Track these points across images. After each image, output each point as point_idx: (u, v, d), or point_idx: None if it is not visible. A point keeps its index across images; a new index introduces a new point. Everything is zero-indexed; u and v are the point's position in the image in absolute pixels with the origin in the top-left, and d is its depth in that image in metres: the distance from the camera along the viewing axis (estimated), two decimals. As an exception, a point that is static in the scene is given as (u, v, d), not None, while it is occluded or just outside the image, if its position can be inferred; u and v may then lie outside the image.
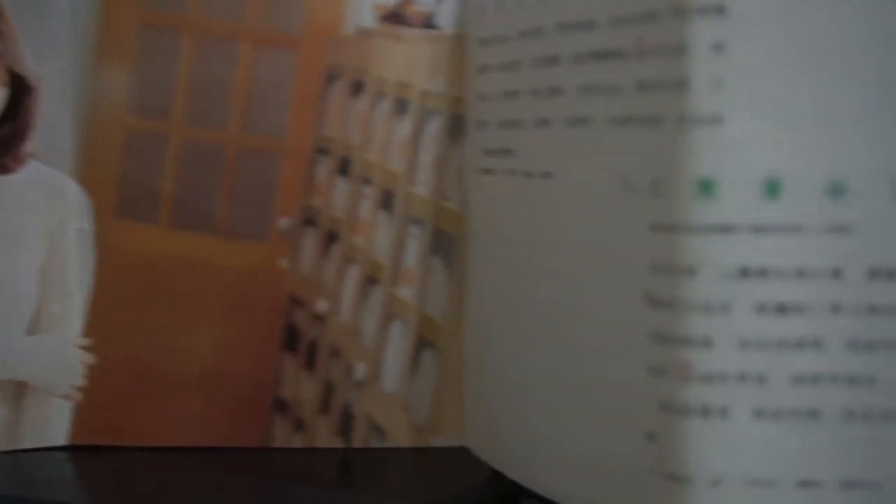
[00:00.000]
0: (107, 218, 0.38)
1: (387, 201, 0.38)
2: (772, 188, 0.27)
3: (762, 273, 0.27)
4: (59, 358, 0.38)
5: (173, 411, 0.38)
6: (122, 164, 0.38)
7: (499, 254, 0.35)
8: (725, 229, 0.27)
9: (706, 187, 0.27)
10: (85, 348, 0.38)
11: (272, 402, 0.38)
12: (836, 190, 0.27)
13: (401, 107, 0.38)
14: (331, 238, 0.38)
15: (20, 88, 0.37)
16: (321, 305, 0.38)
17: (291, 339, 0.38)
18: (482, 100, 0.36)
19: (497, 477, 0.35)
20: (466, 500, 0.34)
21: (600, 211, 0.30)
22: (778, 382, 0.27)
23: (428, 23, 0.38)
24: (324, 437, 0.38)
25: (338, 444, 0.38)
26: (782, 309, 0.27)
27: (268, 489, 0.35)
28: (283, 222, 0.38)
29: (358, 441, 0.38)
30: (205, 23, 0.38)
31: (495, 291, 0.35)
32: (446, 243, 0.38)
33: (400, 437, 0.38)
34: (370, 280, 0.38)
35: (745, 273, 0.27)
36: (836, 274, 0.27)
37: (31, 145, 0.37)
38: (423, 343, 0.38)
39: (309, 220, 0.38)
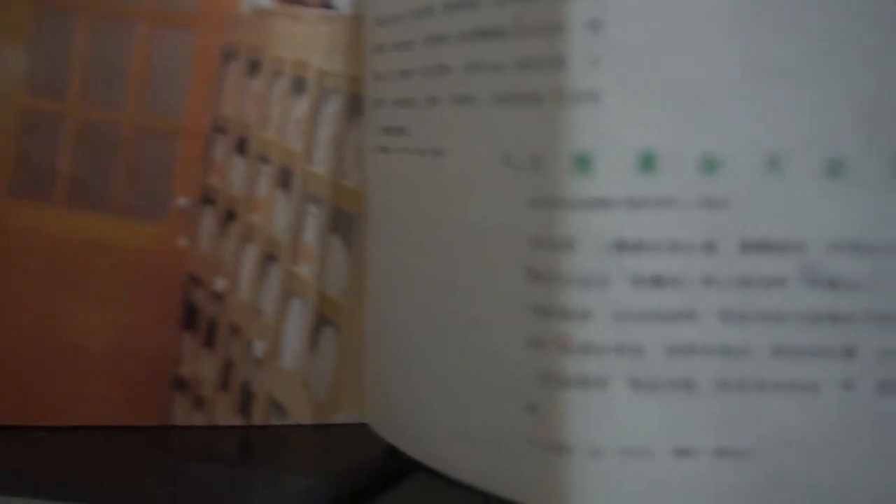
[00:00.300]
0: (2, 197, 0.38)
1: (285, 180, 0.38)
2: (647, 163, 0.28)
3: (638, 246, 0.28)
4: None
5: (73, 391, 0.38)
6: (18, 144, 0.38)
7: (394, 231, 0.35)
8: (602, 204, 0.28)
9: (583, 163, 0.28)
10: (-19, 329, 0.38)
11: (171, 380, 0.38)
12: (710, 164, 0.28)
13: (298, 86, 0.38)
14: (229, 216, 0.38)
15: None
16: (220, 284, 0.38)
17: (190, 318, 0.38)
18: (378, 79, 0.36)
19: (393, 452, 0.35)
20: (361, 476, 0.34)
21: (484, 187, 0.30)
22: (653, 354, 0.28)
23: (325, 2, 0.38)
24: (224, 414, 0.38)
25: (238, 421, 0.38)
26: (657, 281, 0.28)
27: (168, 467, 0.35)
28: (182, 201, 0.38)
29: (258, 418, 0.38)
30: (101, 1, 0.38)
31: (391, 269, 0.36)
32: (346, 221, 0.38)
33: (300, 414, 0.38)
34: (269, 258, 0.38)
35: (621, 246, 0.28)
36: (710, 247, 0.28)
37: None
38: (322, 321, 0.38)
39: (207, 199, 0.38)
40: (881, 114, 0.27)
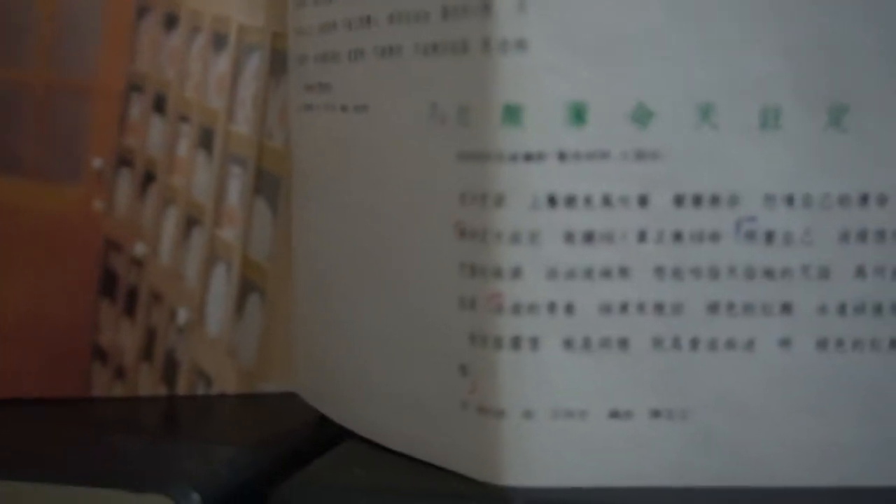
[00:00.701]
0: None
1: (206, 140, 0.37)
2: (577, 114, 0.27)
3: (569, 201, 0.27)
4: None
5: (-13, 363, 0.36)
6: (-78, 105, 0.36)
7: (322, 192, 0.34)
8: (531, 157, 0.27)
9: (512, 114, 0.27)
10: None
11: (90, 350, 0.37)
12: (641, 116, 0.27)
13: (218, 42, 0.36)
14: (148, 179, 0.37)
15: None
16: (139, 249, 0.37)
17: (109, 285, 0.37)
18: (301, 33, 0.35)
19: (323, 421, 0.34)
20: (289, 445, 0.33)
21: (411, 142, 0.29)
22: (587, 312, 0.27)
23: (245, -46, 0.36)
24: (146, 384, 0.37)
25: (161, 391, 0.37)
26: (590, 237, 0.27)
27: (88, 440, 0.34)
28: (96, 162, 0.36)
29: (183, 388, 0.37)
30: (7, -46, 0.36)
31: (320, 230, 0.34)
32: (270, 183, 0.37)
33: (226, 383, 0.37)
34: (191, 221, 0.37)
35: (552, 201, 0.27)
36: (643, 201, 0.27)
37: None
38: (248, 286, 0.37)
39: (123, 161, 0.36)
40: (815, 62, 0.27)
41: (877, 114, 0.26)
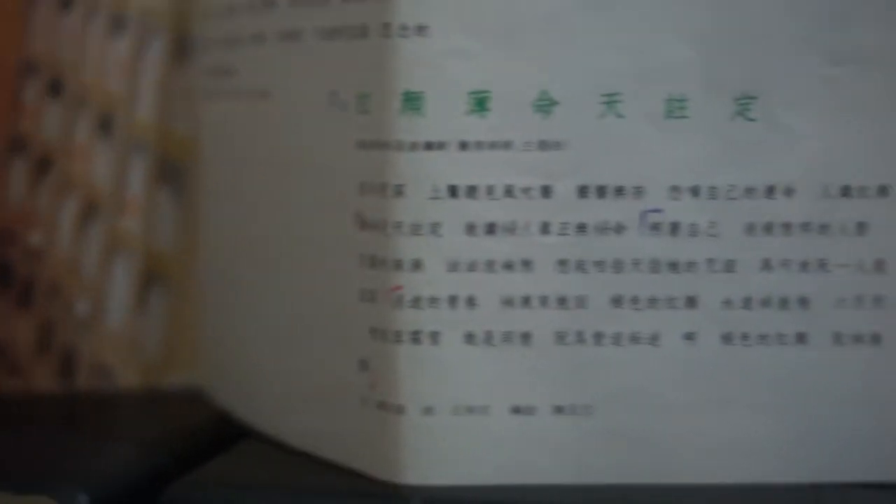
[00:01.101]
0: None
1: (106, 126, 0.35)
2: (479, 103, 0.26)
3: (471, 191, 0.26)
4: None
5: None
6: None
7: (226, 180, 0.33)
8: (432, 146, 0.26)
9: (412, 102, 0.26)
10: None
11: (-16, 344, 0.35)
12: (545, 104, 0.26)
13: (118, 23, 0.35)
14: (44, 166, 0.35)
15: None
16: (35, 239, 0.35)
17: (3, 276, 0.35)
18: (205, 17, 0.34)
19: (226, 418, 0.33)
20: (189, 443, 0.32)
21: (312, 129, 0.28)
22: (488, 305, 0.26)
23: (147, -66, 0.35)
24: (43, 379, 0.36)
25: (59, 387, 0.36)
26: (492, 228, 0.26)
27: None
28: (-10, 149, 0.35)
29: (82, 383, 0.36)
30: None
31: (224, 220, 0.33)
32: (174, 171, 0.36)
33: (129, 377, 0.36)
34: (90, 211, 0.36)
35: (453, 191, 0.26)
36: (546, 192, 0.26)
37: None
38: (151, 278, 0.36)
39: (17, 147, 0.35)
40: (723, 51, 0.26)
41: (785, 103, 0.26)
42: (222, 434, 0.32)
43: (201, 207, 0.35)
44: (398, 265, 0.26)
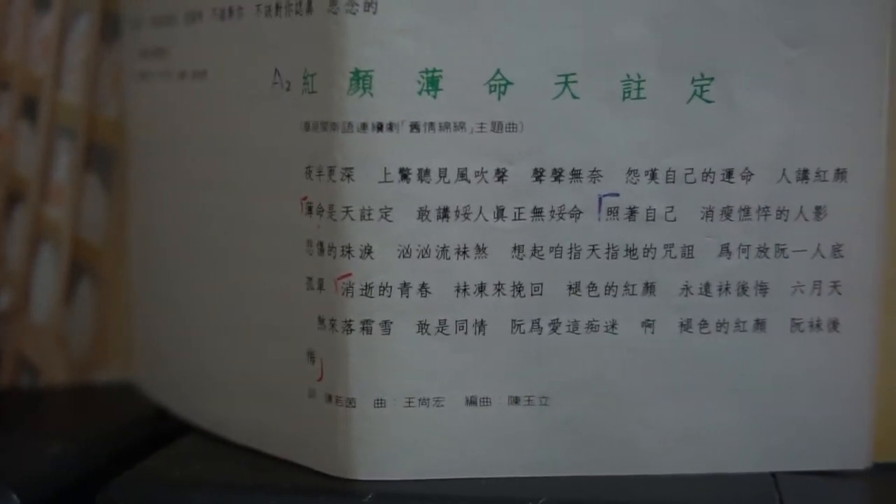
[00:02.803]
0: None
1: (30, 109, 0.34)
2: (431, 82, 0.25)
3: (423, 175, 0.25)
4: None
5: None
6: None
7: (160, 165, 0.32)
8: (382, 127, 0.25)
9: (361, 81, 0.25)
10: None
11: None
12: (499, 84, 0.25)
13: (42, 0, 0.33)
14: (-37, 151, 0.33)
15: None
16: (-45, 228, 0.34)
17: (-80, 268, 0.34)
18: (135, -6, 0.32)
19: (161, 414, 0.32)
20: (123, 440, 0.30)
21: (255, 110, 0.27)
22: (442, 293, 0.25)
23: None
24: (-36, 376, 0.34)
25: (-19, 383, 0.34)
26: (444, 213, 0.25)
27: None
28: None
29: (5, 379, 0.34)
30: None
31: (158, 207, 0.32)
32: (103, 157, 0.34)
33: (55, 373, 0.34)
34: (13, 198, 0.34)
35: (405, 175, 0.25)
36: (500, 175, 0.25)
37: None
38: (78, 269, 0.34)
39: (-65, 131, 0.33)
40: (680, 31, 0.25)
41: (743, 86, 0.25)
42: (158, 430, 0.31)
43: (130, 194, 0.34)
44: (347, 251, 0.25)
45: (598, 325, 0.26)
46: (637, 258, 0.26)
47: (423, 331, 0.26)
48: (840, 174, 0.26)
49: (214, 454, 0.28)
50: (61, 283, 0.34)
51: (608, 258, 0.26)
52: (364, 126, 0.25)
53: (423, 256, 0.25)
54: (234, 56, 0.28)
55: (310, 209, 0.26)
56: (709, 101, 0.25)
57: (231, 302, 0.29)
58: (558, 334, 0.26)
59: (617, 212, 0.26)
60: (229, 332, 0.29)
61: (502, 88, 0.25)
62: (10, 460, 0.28)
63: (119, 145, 0.34)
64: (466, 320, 0.26)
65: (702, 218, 0.26)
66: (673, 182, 0.26)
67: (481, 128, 0.25)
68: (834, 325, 0.26)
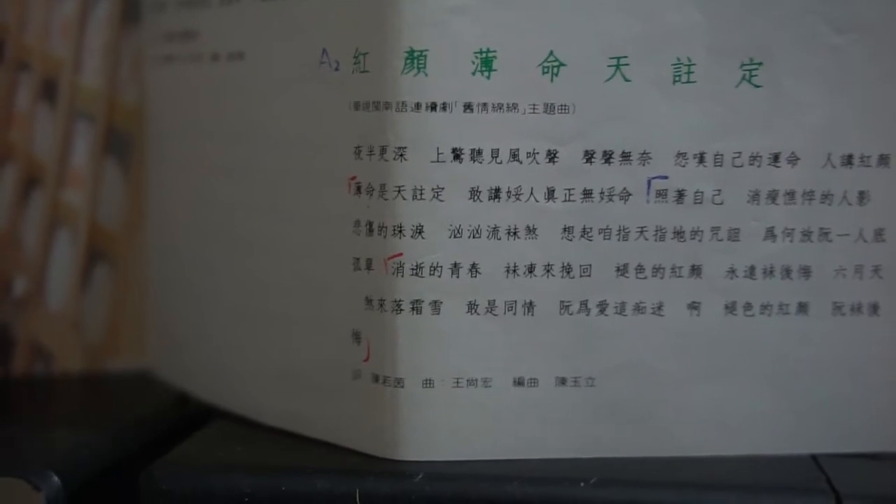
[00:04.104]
0: None
1: (49, 92, 0.33)
2: (485, 63, 0.25)
3: (475, 155, 0.25)
4: None
5: None
6: None
7: (183, 152, 0.31)
8: (436, 107, 0.25)
9: (415, 61, 0.25)
10: None
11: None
12: (552, 66, 0.25)
13: (64, -17, 0.33)
14: (-19, 133, 0.33)
15: None
16: (-28, 211, 0.33)
17: (-65, 251, 0.33)
18: (159, -23, 0.32)
19: (184, 400, 0.31)
20: (149, 427, 0.30)
21: (298, 91, 0.27)
22: (491, 274, 0.25)
23: None
24: (-22, 363, 0.33)
25: (-5, 370, 0.33)
26: (496, 194, 0.25)
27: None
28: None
29: (19, 367, 0.34)
30: None
31: (179, 195, 0.32)
32: (121, 142, 0.34)
33: (70, 360, 0.34)
34: (31, 182, 0.33)
35: (457, 155, 0.25)
36: (552, 157, 0.25)
37: None
38: (95, 255, 0.34)
39: (-46, 112, 0.33)
40: (730, 16, 0.26)
41: (790, 71, 0.26)
42: (183, 416, 0.30)
43: (149, 181, 0.33)
44: (399, 231, 0.25)
45: (645, 307, 0.26)
46: (684, 241, 0.26)
47: (473, 311, 0.26)
48: (883, 160, 0.26)
49: (251, 437, 0.27)
50: (77, 269, 0.34)
51: (656, 240, 0.26)
52: (418, 106, 0.25)
53: (474, 236, 0.25)
54: (276, 36, 0.28)
55: (359, 189, 0.26)
56: (757, 86, 0.26)
57: (261, 288, 0.28)
58: (606, 316, 0.26)
59: (665, 194, 0.26)
60: (259, 317, 0.29)
61: (555, 70, 0.25)
62: (48, 444, 0.27)
63: (137, 131, 0.34)
64: (515, 301, 0.26)
65: (748, 201, 0.26)
66: (721, 165, 0.26)
67: (534, 109, 0.25)
68: (874, 308, 0.27)
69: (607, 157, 0.26)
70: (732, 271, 0.26)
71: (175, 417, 0.30)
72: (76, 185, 0.34)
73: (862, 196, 0.26)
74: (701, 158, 0.26)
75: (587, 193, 0.26)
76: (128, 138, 0.34)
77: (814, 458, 0.27)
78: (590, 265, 0.26)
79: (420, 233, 0.25)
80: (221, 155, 0.30)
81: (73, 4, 0.33)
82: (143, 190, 0.34)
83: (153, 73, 0.33)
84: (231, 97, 0.29)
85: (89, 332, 0.34)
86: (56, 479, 0.25)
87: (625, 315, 0.26)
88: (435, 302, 0.25)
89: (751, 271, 0.26)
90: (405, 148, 0.25)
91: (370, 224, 0.26)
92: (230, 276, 0.29)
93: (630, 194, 0.26)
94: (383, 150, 0.25)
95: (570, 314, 0.26)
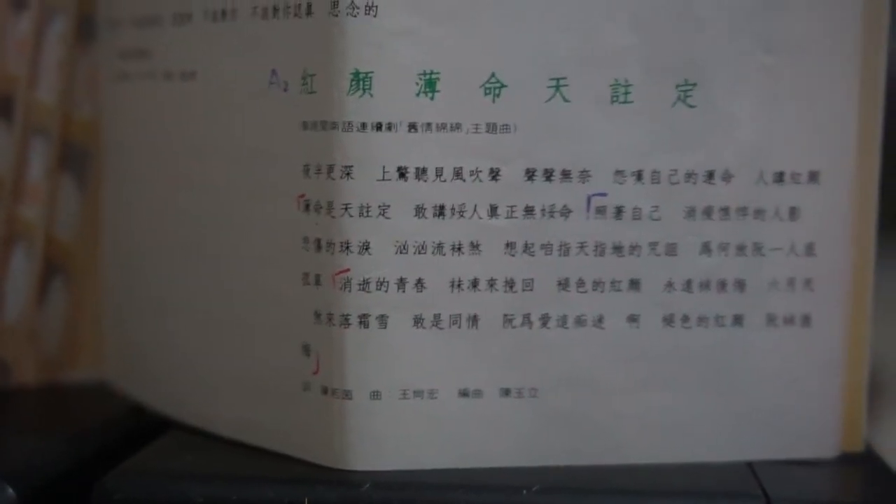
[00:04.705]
0: None
1: (5, 109, 0.34)
2: (429, 84, 0.26)
3: (420, 173, 0.26)
4: None
5: None
6: None
7: (139, 167, 0.32)
8: (381, 127, 0.26)
9: (361, 82, 0.26)
10: None
11: None
12: (494, 87, 0.26)
13: (19, 1, 0.33)
14: (-62, 149, 0.33)
15: None
16: (-71, 226, 0.33)
17: None
18: (113, -4, 0.32)
19: (139, 411, 0.32)
20: (103, 438, 0.30)
21: (249, 110, 0.28)
22: (437, 288, 0.26)
23: None
24: (-65, 375, 0.34)
25: (-48, 383, 0.34)
26: (440, 211, 0.26)
27: None
28: None
29: (-24, 379, 0.34)
30: None
31: (135, 208, 0.32)
32: (77, 157, 0.34)
33: (27, 373, 0.34)
34: (-12, 197, 0.34)
35: (402, 174, 0.26)
36: (494, 175, 0.26)
37: None
38: (51, 268, 0.34)
39: (-89, 129, 0.33)
40: (662, 38, 0.26)
41: (723, 90, 0.27)
42: (137, 426, 0.31)
43: (105, 194, 0.34)
44: (346, 247, 0.26)
45: (586, 320, 0.27)
46: (623, 255, 0.27)
47: (419, 325, 0.26)
48: (813, 176, 0.27)
49: (204, 447, 0.28)
50: (34, 282, 0.34)
51: (596, 255, 0.27)
52: (364, 126, 0.26)
53: (419, 252, 0.26)
54: (227, 57, 0.28)
55: (307, 206, 0.26)
56: (692, 106, 0.27)
57: (215, 299, 0.29)
58: (548, 328, 0.27)
59: (605, 211, 0.27)
60: (212, 328, 0.29)
61: (497, 91, 0.26)
62: (2, 454, 0.28)
63: (93, 145, 0.34)
64: (460, 315, 0.26)
65: (684, 217, 0.27)
66: (658, 183, 0.27)
67: (476, 129, 0.26)
68: (806, 320, 0.28)
69: (548, 174, 0.26)
70: (670, 285, 0.27)
71: (130, 428, 0.31)
72: (33, 199, 0.34)
73: (793, 212, 0.27)
74: (639, 176, 0.27)
75: (529, 210, 0.26)
76: (84, 153, 0.34)
77: (749, 465, 0.28)
78: (532, 279, 0.27)
79: (367, 249, 0.26)
80: (178, 169, 0.30)
81: (29, 22, 0.33)
82: (99, 203, 0.34)
83: (109, 89, 0.33)
84: (185, 114, 0.30)
85: (46, 344, 0.34)
86: (10, 489, 0.26)
87: (566, 328, 0.27)
88: (382, 316, 0.26)
89: (688, 285, 0.27)
90: (352, 167, 0.26)
91: (318, 240, 0.26)
92: (187, 287, 0.30)
93: (570, 211, 0.27)
94: (330, 168, 0.26)
95: (514, 327, 0.27)
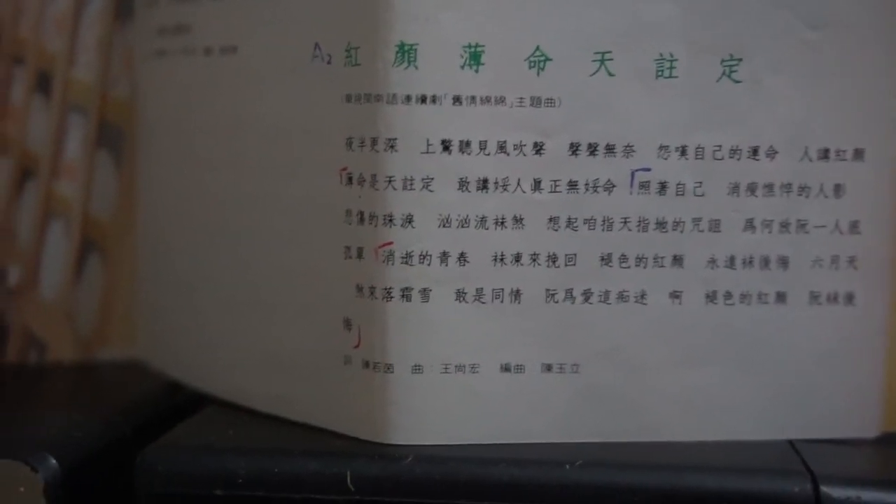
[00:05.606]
0: None
1: (43, 85, 0.34)
2: (473, 57, 0.26)
3: (464, 147, 0.26)
4: None
5: None
6: None
7: (175, 145, 0.32)
8: (426, 99, 0.26)
9: (406, 54, 0.26)
10: None
11: None
12: (538, 60, 0.26)
13: (59, -22, 0.34)
14: (-23, 125, 0.33)
15: None
16: (-34, 202, 0.33)
17: (-69, 241, 0.33)
18: (152, -27, 0.32)
19: (175, 387, 0.32)
20: (141, 413, 0.30)
21: (290, 84, 0.28)
22: (479, 262, 0.26)
23: None
24: (-28, 351, 0.34)
25: (-12, 359, 0.34)
26: (484, 184, 0.26)
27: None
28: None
29: (12, 355, 0.34)
30: None
31: (170, 186, 0.32)
32: (114, 135, 0.34)
33: (62, 349, 0.34)
34: (25, 174, 0.34)
35: (446, 146, 0.26)
36: (538, 149, 0.26)
37: None
38: (87, 245, 0.34)
39: (-50, 104, 0.33)
40: (706, 13, 0.26)
41: (768, 66, 0.26)
42: (174, 403, 0.31)
43: (139, 173, 0.34)
44: (389, 220, 0.26)
45: (628, 296, 0.27)
46: (666, 231, 0.27)
47: (461, 299, 0.26)
48: (858, 154, 0.27)
49: (244, 422, 0.28)
50: (71, 259, 0.34)
51: (639, 231, 0.27)
52: (408, 98, 0.26)
53: (462, 226, 0.26)
54: (268, 30, 0.28)
55: (350, 179, 0.26)
56: (737, 81, 0.27)
57: (251, 276, 0.29)
58: (590, 304, 0.27)
59: (648, 186, 0.27)
60: (248, 305, 0.29)
61: (541, 64, 0.26)
62: (45, 429, 0.28)
63: (129, 123, 0.34)
64: (503, 289, 0.26)
65: (728, 193, 0.27)
66: (702, 158, 0.27)
67: (521, 102, 0.26)
68: (850, 298, 0.27)
69: (592, 149, 0.26)
70: (713, 261, 0.27)
71: (167, 404, 0.31)
72: (69, 176, 0.34)
73: (838, 189, 0.27)
74: (683, 151, 0.27)
75: (572, 185, 0.26)
76: (120, 131, 0.34)
77: (790, 443, 0.27)
78: (575, 255, 0.27)
79: (410, 222, 0.26)
80: (213, 147, 0.30)
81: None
82: (134, 182, 0.34)
83: (144, 67, 0.33)
84: (224, 90, 0.30)
85: (82, 321, 0.35)
86: (53, 460, 0.26)
87: (608, 303, 0.27)
88: (424, 290, 0.26)
89: (731, 261, 0.27)
90: (395, 139, 0.26)
91: (361, 213, 0.26)
92: (221, 265, 0.30)
93: (614, 186, 0.26)
94: (374, 141, 0.26)
95: (556, 302, 0.27)
